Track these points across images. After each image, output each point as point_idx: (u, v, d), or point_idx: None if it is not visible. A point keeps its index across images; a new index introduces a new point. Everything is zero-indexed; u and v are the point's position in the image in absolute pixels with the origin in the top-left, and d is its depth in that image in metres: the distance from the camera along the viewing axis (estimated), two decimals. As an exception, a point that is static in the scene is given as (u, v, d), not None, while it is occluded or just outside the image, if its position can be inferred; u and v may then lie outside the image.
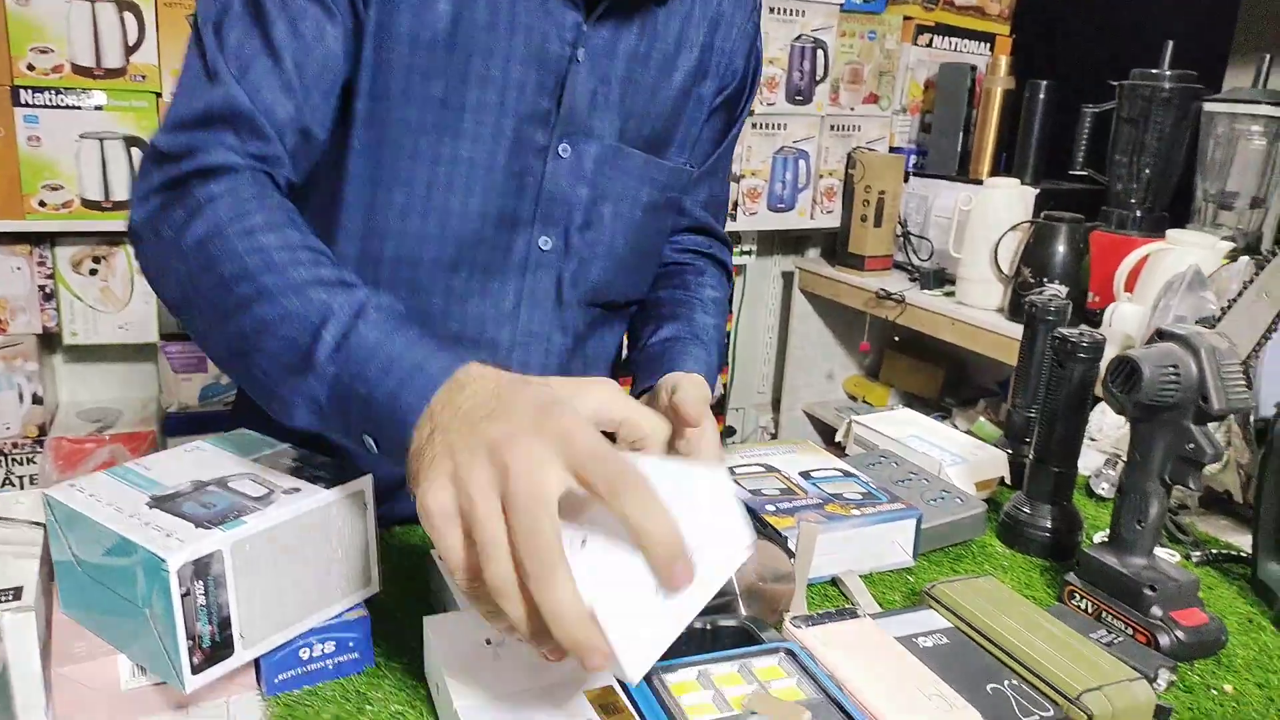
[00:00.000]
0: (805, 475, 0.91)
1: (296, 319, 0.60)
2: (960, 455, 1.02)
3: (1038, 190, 2.10)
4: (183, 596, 0.56)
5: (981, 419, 2.40)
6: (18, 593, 0.61)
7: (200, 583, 0.57)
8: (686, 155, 0.94)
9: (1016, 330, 1.97)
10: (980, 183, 2.20)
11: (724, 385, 2.65)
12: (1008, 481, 1.03)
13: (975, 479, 0.99)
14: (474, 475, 0.48)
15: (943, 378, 2.60)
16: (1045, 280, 1.91)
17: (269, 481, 0.64)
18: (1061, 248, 1.93)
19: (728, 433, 2.73)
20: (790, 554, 0.73)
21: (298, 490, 0.63)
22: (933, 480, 0.96)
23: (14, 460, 1.88)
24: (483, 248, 0.85)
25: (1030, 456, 0.92)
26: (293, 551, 0.62)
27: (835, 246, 2.54)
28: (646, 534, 0.46)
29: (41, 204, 1.72)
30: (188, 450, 0.70)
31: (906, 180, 2.44)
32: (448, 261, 0.84)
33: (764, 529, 0.73)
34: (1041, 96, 2.22)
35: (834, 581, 0.82)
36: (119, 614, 0.60)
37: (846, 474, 0.92)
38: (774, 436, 2.80)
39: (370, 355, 0.57)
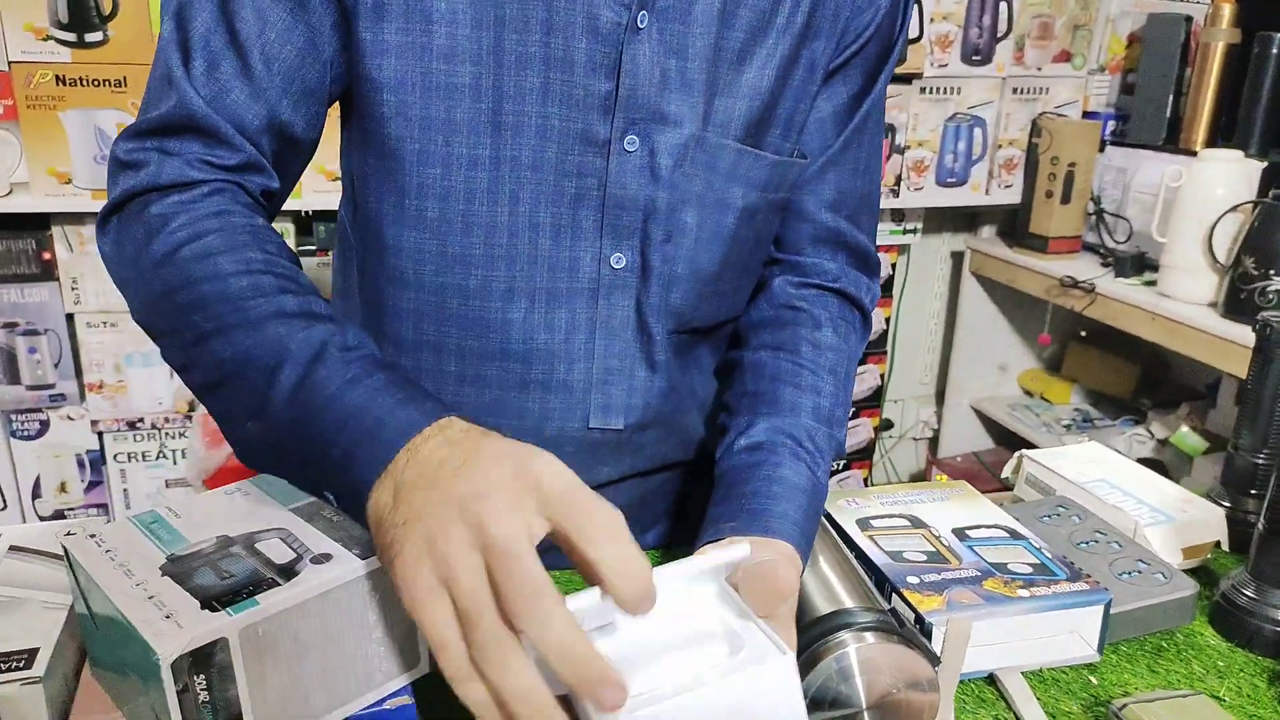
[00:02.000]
0: (960, 534, 0.75)
1: (253, 361, 0.55)
2: (1163, 511, 0.82)
3: (1265, 164, 1.78)
4: (180, 693, 0.47)
5: (1184, 428, 2.11)
6: (30, 657, 0.55)
7: (202, 676, 0.48)
8: (794, 140, 0.75)
9: (1232, 329, 1.69)
10: (1194, 154, 1.89)
11: (881, 375, 2.44)
12: (1224, 546, 0.82)
13: (1182, 543, 0.80)
14: (450, 535, 0.43)
15: (1138, 376, 2.30)
16: (1272, 273, 1.62)
17: (300, 542, 0.55)
18: (1294, 233, 1.62)
19: (884, 426, 2.53)
20: (934, 656, 0.58)
21: (329, 557, 0.53)
22: (1126, 544, 0.77)
23: (166, 434, 1.94)
24: (540, 269, 0.71)
25: (1261, 523, 0.72)
26: (320, 632, 0.52)
27: (1014, 225, 2.28)
28: (609, 567, 0.41)
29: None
30: (229, 493, 0.62)
31: (1102, 150, 2.14)
32: (501, 289, 0.71)
33: (901, 627, 0.58)
34: (1274, 52, 1.88)
35: (991, 679, 0.66)
36: (129, 692, 0.53)
37: (1014, 535, 0.75)
38: (936, 433, 2.58)
39: (326, 406, 0.53)
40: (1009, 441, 2.47)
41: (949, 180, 2.23)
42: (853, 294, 0.80)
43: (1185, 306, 1.79)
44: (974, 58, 2.14)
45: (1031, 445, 2.33)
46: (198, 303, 0.57)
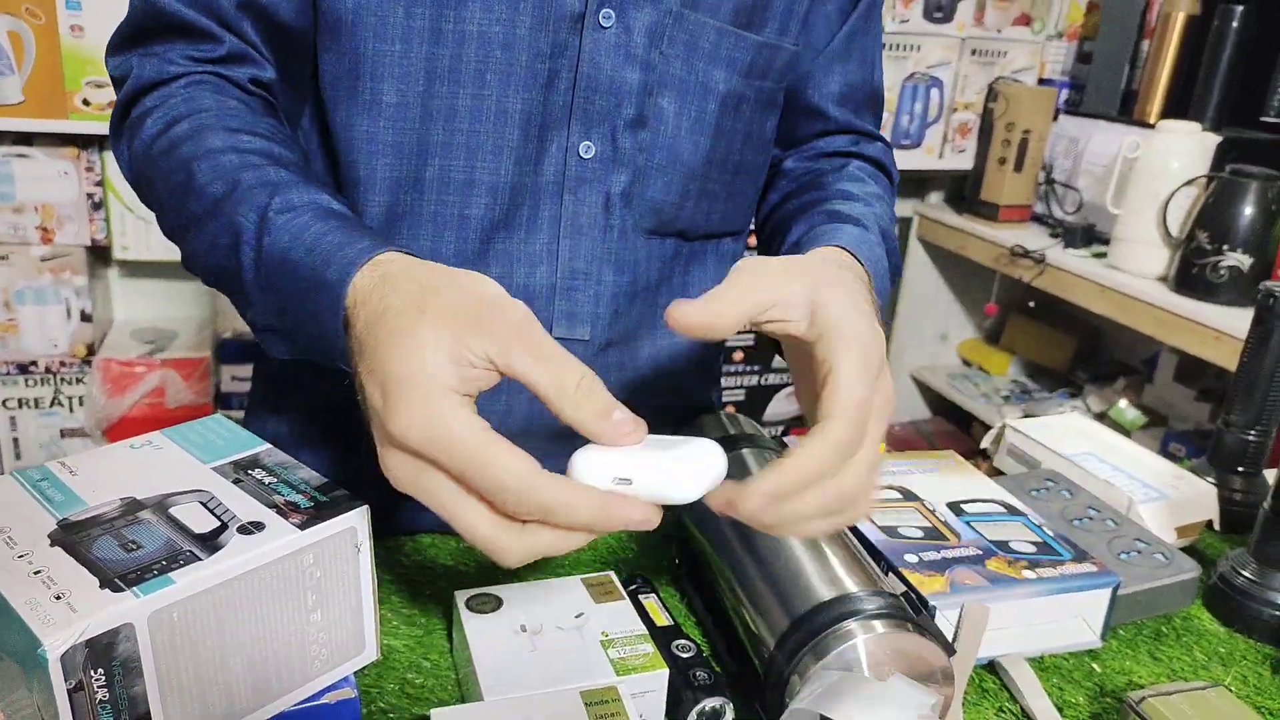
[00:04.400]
0: (955, 509, 0.69)
1: (221, 246, 0.55)
2: (1154, 487, 0.78)
3: (1221, 138, 1.77)
4: (71, 691, 0.38)
5: (1123, 402, 2.12)
6: (-117, 640, 0.45)
7: (100, 671, 0.39)
8: (794, 35, 0.71)
9: (1183, 305, 1.68)
10: (1148, 126, 1.88)
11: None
12: (1215, 526, 0.79)
13: (1176, 521, 0.76)
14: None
15: (1075, 348, 2.31)
16: (1226, 248, 1.61)
17: (225, 508, 0.46)
18: (1249, 209, 1.62)
19: (824, 390, 2.49)
20: (949, 645, 0.52)
21: (260, 526, 0.45)
22: (1122, 522, 0.73)
23: (63, 380, 1.78)
24: (504, 161, 0.65)
25: (1268, 503, 0.69)
26: (249, 616, 0.44)
27: (964, 191, 2.25)
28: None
29: (85, 102, 1.56)
30: (136, 446, 0.52)
31: (1056, 119, 2.12)
32: (458, 182, 0.65)
33: (918, 614, 0.52)
34: (1234, 25, 1.87)
35: (991, 667, 0.61)
36: (11, 682, 0.43)
37: (1011, 510, 0.69)
38: (876, 399, 2.55)
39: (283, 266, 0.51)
40: (947, 412, 2.47)
41: (904, 142, 2.18)
42: (870, 155, 0.78)
43: (1136, 280, 1.78)
44: (935, 14, 2.08)
45: (970, 416, 2.32)
46: (170, 196, 0.58)
